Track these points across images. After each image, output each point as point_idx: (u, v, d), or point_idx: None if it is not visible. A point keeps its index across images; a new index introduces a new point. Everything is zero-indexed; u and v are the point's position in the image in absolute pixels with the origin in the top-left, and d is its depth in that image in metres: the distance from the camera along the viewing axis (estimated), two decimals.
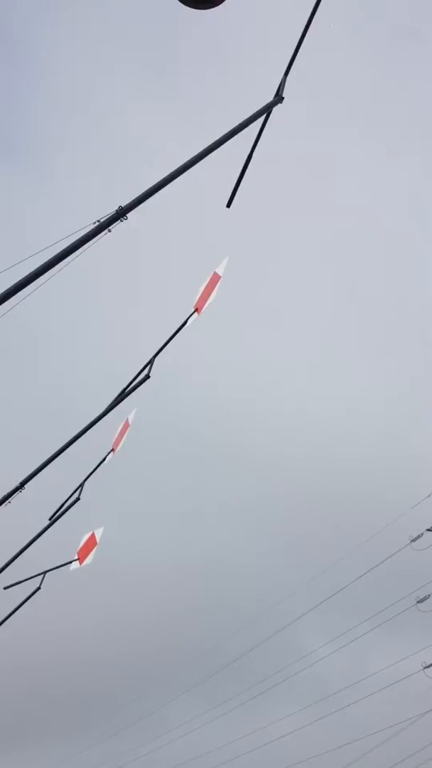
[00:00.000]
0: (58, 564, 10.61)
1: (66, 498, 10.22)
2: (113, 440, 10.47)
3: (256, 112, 7.17)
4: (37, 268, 6.39)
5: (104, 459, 10.31)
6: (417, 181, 67.48)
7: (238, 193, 7.59)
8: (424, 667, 38.02)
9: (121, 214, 6.64)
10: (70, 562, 10.64)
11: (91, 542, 10.74)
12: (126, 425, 10.46)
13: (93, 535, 10.80)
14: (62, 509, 10.19)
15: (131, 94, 64.75)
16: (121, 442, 10.34)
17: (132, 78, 65.96)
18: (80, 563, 10.59)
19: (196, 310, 9.03)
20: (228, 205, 7.59)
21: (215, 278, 9.01)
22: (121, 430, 10.48)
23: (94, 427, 9.34)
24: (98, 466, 10.22)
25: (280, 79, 7.33)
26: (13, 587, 10.32)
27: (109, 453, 10.36)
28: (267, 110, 7.26)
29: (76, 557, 10.65)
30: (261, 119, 7.28)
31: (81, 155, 66.31)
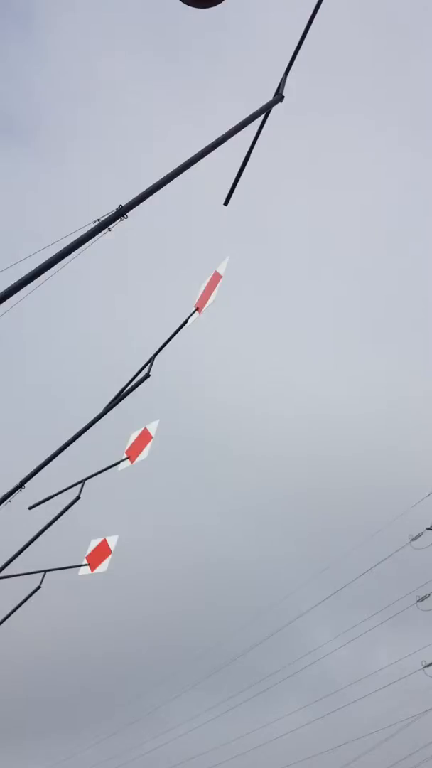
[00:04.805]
0: (62, 566, 10.37)
1: (65, 497, 10.12)
2: (128, 447, 10.06)
3: (256, 111, 7.15)
4: (37, 267, 6.38)
5: (116, 464, 9.96)
6: (418, 175, 67.41)
7: (238, 191, 7.56)
8: (425, 666, 38.03)
9: (121, 213, 6.62)
10: (79, 566, 10.34)
11: (104, 549, 10.33)
12: (147, 436, 9.99)
13: (105, 542, 10.39)
14: (52, 500, 10.00)
15: (131, 94, 64.75)
16: (141, 454, 9.86)
17: (132, 79, 65.94)
18: (92, 570, 10.26)
19: (197, 309, 9.00)
20: (225, 203, 7.55)
21: (216, 278, 8.97)
22: (139, 441, 10.03)
23: (95, 425, 9.30)
24: (106, 469, 9.95)
25: (281, 78, 7.30)
26: (13, 584, 10.26)
27: (123, 460, 9.97)
28: (267, 109, 7.23)
29: (85, 562, 10.33)
30: (261, 118, 7.26)
31: (81, 153, 66.32)
